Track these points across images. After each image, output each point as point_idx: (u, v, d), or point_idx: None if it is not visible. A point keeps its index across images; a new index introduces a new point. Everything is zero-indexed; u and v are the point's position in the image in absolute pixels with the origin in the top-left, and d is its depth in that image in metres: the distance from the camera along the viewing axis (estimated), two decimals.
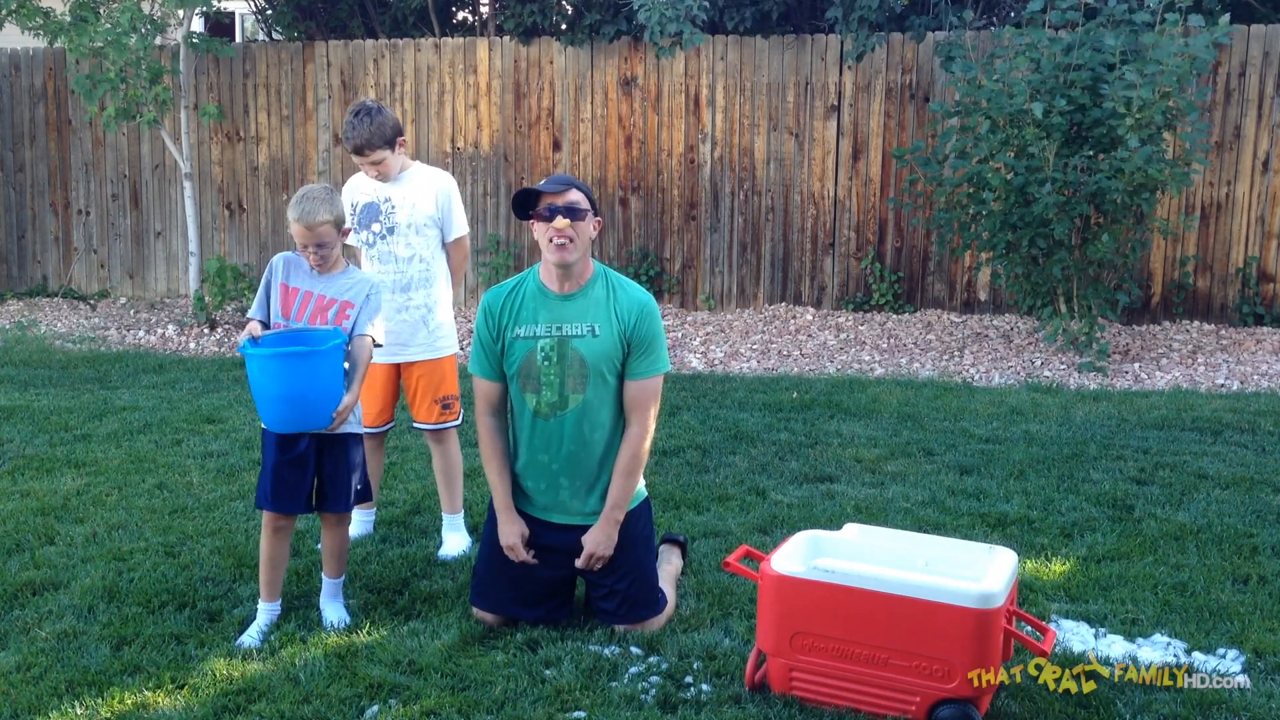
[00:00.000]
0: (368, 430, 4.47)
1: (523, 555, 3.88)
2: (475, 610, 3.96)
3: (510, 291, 3.95)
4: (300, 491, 3.89)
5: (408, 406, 4.82)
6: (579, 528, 3.92)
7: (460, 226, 4.75)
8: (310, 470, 3.90)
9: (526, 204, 3.85)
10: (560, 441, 3.88)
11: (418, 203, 4.64)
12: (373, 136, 4.52)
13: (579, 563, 3.86)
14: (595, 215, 3.88)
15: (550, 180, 3.88)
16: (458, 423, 4.78)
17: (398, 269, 4.64)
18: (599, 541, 3.84)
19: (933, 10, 9.61)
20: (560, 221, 3.77)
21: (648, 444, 3.91)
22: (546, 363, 3.85)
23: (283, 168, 11.00)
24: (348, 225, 4.14)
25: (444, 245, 4.74)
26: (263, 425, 3.88)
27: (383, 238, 4.64)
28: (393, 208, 4.63)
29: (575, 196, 3.82)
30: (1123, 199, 7.96)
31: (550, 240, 3.79)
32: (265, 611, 3.94)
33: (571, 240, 3.78)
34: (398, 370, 4.72)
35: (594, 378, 3.82)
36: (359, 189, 4.75)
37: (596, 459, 3.90)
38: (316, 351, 3.71)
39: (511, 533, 3.90)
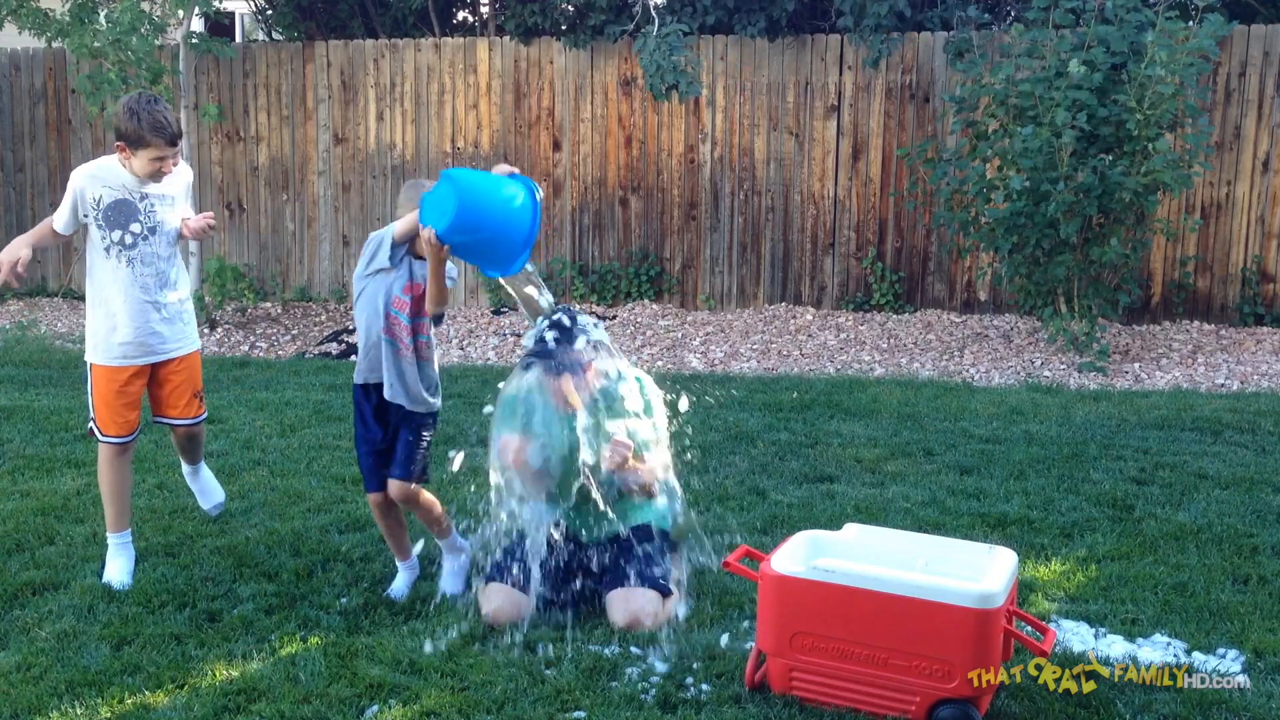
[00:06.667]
0: (121, 440, 4.39)
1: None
2: (483, 599, 4.00)
3: (525, 405, 4.09)
4: (380, 473, 4.19)
5: (155, 406, 4.56)
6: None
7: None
8: (384, 453, 4.18)
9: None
10: (587, 511, 4.14)
11: (176, 199, 4.40)
12: (180, 128, 4.35)
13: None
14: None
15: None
16: (206, 415, 4.68)
17: (159, 269, 4.35)
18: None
19: (941, 6, 9.62)
20: (566, 381, 3.96)
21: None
22: (566, 469, 4.06)
23: (283, 168, 11.00)
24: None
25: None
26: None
27: (144, 238, 4.29)
28: (152, 206, 4.31)
29: (579, 351, 3.98)
30: (1129, 198, 7.97)
31: (558, 391, 3.99)
32: (404, 570, 4.30)
33: (578, 390, 3.98)
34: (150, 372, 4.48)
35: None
36: (102, 181, 4.28)
37: (620, 508, 4.16)
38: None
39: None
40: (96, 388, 4.37)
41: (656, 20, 9.49)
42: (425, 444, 4.17)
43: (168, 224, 4.34)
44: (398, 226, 4.02)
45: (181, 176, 4.43)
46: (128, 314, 4.30)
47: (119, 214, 4.26)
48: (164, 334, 4.38)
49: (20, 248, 4.23)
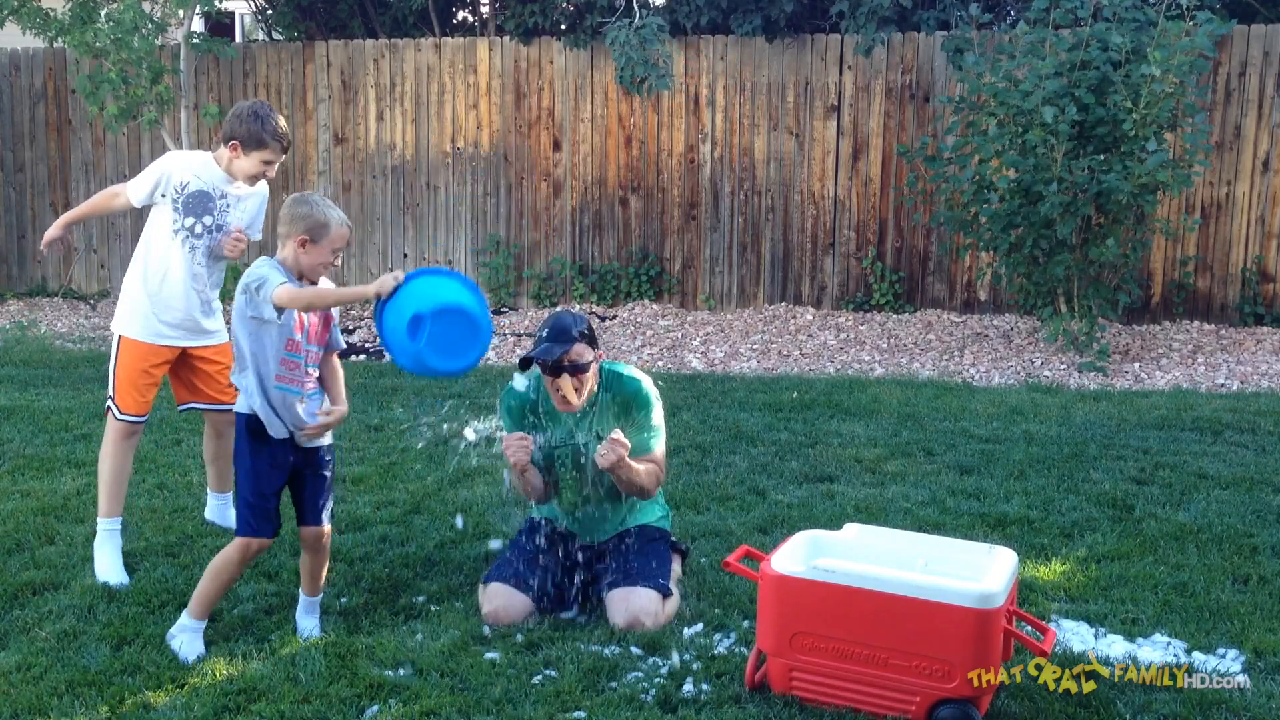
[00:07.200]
0: (136, 419, 4.45)
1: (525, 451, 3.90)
2: (483, 599, 3.99)
3: (526, 405, 4.10)
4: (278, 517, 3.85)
5: (190, 393, 4.65)
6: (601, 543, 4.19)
7: (258, 231, 4.68)
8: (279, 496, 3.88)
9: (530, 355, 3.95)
10: (587, 513, 4.15)
11: (248, 208, 4.54)
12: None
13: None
14: (597, 349, 4.01)
15: (551, 335, 3.90)
16: None
17: (210, 267, 4.53)
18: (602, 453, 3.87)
19: (939, 6, 9.62)
20: (565, 382, 3.92)
21: (659, 476, 4.09)
22: (563, 468, 4.08)
23: (282, 167, 10.96)
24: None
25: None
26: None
27: (210, 233, 4.45)
28: (227, 205, 4.46)
29: (578, 351, 3.91)
30: (1126, 199, 7.97)
31: (557, 390, 3.95)
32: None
33: (577, 390, 3.95)
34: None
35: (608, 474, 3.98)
36: (193, 170, 4.42)
37: (620, 509, 4.17)
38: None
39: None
40: (123, 362, 4.46)
41: (637, 12, 9.50)
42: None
43: (231, 226, 4.49)
44: (282, 293, 3.52)
45: (261, 189, 4.58)
46: (181, 295, 4.47)
47: (197, 204, 4.42)
48: (204, 322, 4.58)
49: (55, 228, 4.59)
